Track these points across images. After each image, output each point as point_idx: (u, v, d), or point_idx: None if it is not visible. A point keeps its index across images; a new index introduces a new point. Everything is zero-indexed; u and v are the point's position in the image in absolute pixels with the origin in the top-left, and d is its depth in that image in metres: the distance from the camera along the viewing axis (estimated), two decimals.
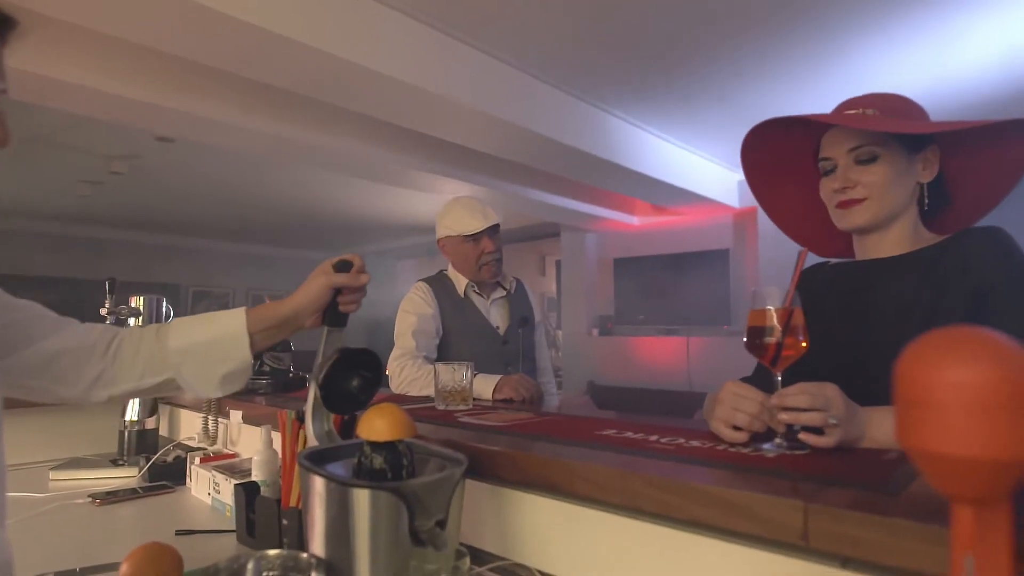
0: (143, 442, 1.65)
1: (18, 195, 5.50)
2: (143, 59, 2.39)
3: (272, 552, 0.74)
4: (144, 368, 0.88)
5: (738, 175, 4.74)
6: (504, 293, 1.99)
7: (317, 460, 0.79)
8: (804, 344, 0.82)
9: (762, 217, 4.66)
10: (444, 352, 1.89)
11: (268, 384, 1.68)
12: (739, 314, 4.88)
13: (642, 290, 5.36)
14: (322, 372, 0.84)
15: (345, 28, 2.14)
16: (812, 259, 1.01)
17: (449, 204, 1.96)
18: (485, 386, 1.56)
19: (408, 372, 1.77)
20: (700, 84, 3.13)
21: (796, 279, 0.83)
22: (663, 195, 4.31)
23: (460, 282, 1.93)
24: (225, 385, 0.90)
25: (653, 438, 0.91)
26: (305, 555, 0.72)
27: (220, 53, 2.07)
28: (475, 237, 1.87)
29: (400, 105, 2.55)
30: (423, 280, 1.95)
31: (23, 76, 2.24)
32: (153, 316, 1.68)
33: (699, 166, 4.26)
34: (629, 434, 0.95)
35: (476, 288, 1.94)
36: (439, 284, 1.93)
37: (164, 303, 1.74)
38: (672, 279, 5.16)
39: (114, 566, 0.80)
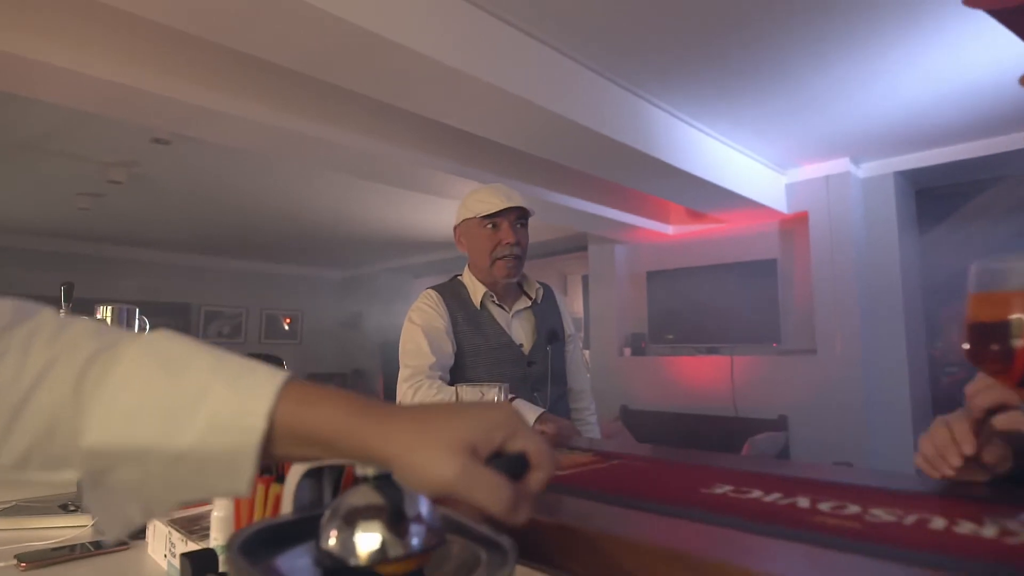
0: None
1: (14, 210, 5.32)
2: (129, 37, 2.16)
3: None
4: (27, 452, 0.41)
5: (786, 177, 4.37)
6: (528, 304, 1.67)
7: (268, 543, 0.48)
8: None
9: (813, 222, 4.28)
10: (457, 375, 1.58)
11: None
12: (789, 330, 4.46)
13: (679, 305, 4.96)
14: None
15: None
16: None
17: (472, 190, 1.70)
18: (526, 416, 1.25)
19: (424, 395, 1.45)
20: (757, 69, 2.79)
21: None
22: (704, 198, 3.96)
23: (477, 290, 1.62)
24: (172, 510, 0.48)
25: (803, 503, 0.58)
26: None
27: (210, 20, 1.82)
28: (494, 221, 1.58)
29: (418, 85, 2.27)
30: (432, 288, 1.65)
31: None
32: None
33: (746, 167, 3.90)
34: (757, 493, 0.62)
35: (495, 298, 1.63)
36: (450, 293, 1.63)
37: (137, 315, 1.43)
38: (712, 293, 4.76)
39: None
